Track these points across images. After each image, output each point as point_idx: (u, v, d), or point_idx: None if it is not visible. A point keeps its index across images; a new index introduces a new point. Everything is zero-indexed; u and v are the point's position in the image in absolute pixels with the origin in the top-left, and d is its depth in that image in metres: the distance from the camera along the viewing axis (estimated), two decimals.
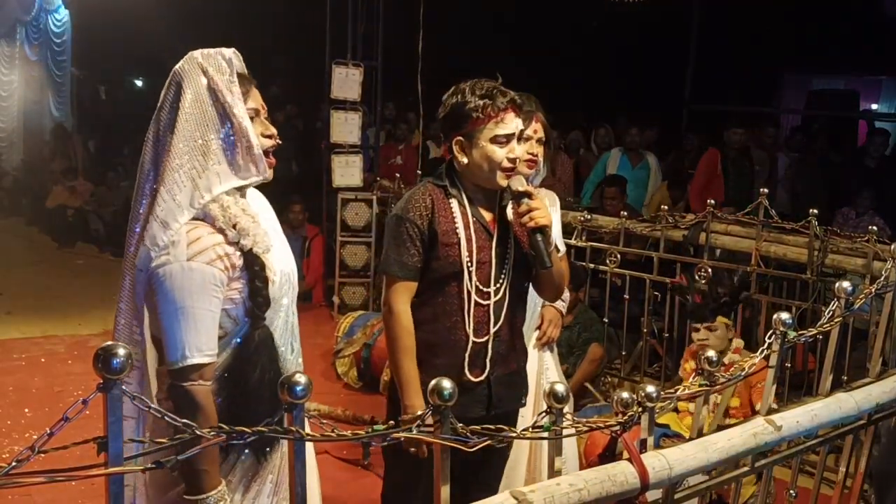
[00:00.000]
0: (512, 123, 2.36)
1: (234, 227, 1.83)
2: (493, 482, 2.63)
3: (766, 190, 4.55)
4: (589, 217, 5.09)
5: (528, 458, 3.01)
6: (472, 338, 2.40)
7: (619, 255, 4.92)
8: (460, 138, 2.36)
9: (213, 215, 1.83)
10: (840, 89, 12.31)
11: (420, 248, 2.38)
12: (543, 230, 2.36)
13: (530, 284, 2.60)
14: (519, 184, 2.38)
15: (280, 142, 1.99)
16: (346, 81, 6.51)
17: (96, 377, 1.27)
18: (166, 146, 1.82)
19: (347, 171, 6.61)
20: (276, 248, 1.93)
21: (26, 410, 4.57)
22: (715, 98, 10.30)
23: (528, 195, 2.36)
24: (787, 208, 6.70)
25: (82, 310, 6.53)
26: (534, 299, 2.98)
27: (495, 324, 2.42)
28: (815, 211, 4.25)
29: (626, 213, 5.03)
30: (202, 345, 1.77)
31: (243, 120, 1.86)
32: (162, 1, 10.25)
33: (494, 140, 2.33)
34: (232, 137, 1.86)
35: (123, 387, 1.88)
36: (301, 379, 1.38)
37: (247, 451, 1.92)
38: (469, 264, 2.38)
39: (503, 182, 2.38)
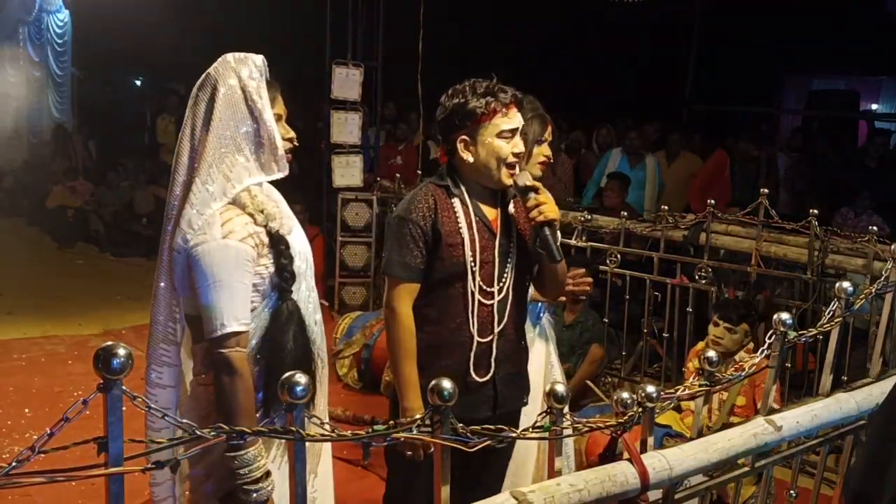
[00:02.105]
0: (516, 118, 2.38)
1: (261, 212, 2.01)
2: (494, 483, 2.63)
3: (766, 190, 4.54)
4: (589, 217, 5.09)
5: (536, 458, 3.00)
6: (476, 338, 2.40)
7: (619, 256, 4.92)
8: (465, 137, 2.36)
9: (242, 202, 2.00)
10: (840, 89, 12.31)
11: (423, 250, 2.38)
12: (552, 223, 2.37)
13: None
14: (525, 178, 2.39)
15: (297, 144, 2.17)
16: (346, 81, 6.51)
17: (96, 377, 1.27)
18: (201, 141, 2.00)
19: (348, 172, 6.61)
20: (293, 231, 2.12)
21: (26, 411, 4.57)
22: (715, 98, 10.30)
23: (535, 189, 2.38)
24: (787, 208, 6.70)
25: (82, 310, 6.53)
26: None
27: (499, 323, 2.43)
28: (816, 211, 4.25)
29: (626, 213, 5.03)
30: (238, 314, 1.93)
31: (270, 123, 2.04)
32: (162, 1, 10.24)
33: (500, 135, 2.34)
34: (260, 137, 2.04)
35: (164, 357, 2.05)
36: (301, 379, 1.38)
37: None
38: (473, 264, 2.38)
39: (507, 180, 2.39)
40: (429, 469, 2.38)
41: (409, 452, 2.34)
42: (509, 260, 2.44)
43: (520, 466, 2.95)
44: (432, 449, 2.27)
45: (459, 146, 2.37)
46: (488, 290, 2.40)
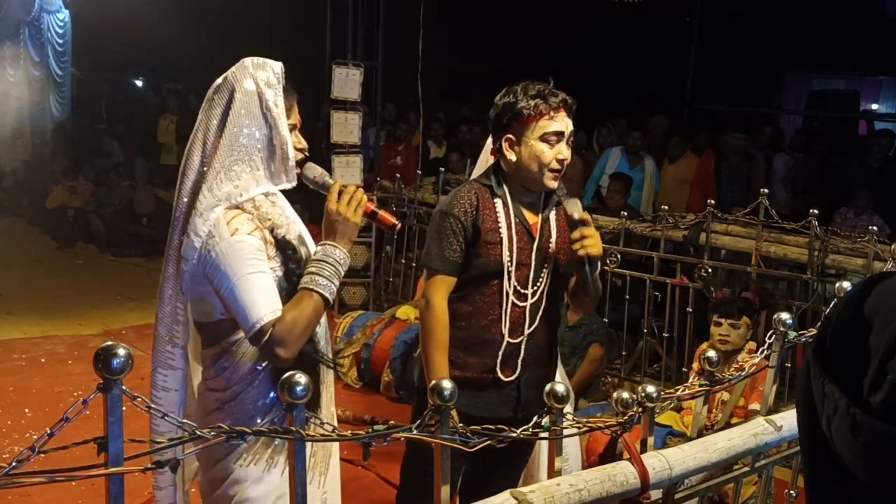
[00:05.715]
0: (563, 122, 2.39)
1: (268, 220, 1.99)
2: (512, 480, 2.63)
3: (766, 190, 4.54)
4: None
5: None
6: (506, 338, 2.42)
7: (619, 256, 4.92)
8: (510, 136, 2.39)
9: (247, 211, 1.98)
10: (840, 89, 12.32)
11: (462, 244, 2.40)
12: (592, 260, 2.36)
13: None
14: (576, 210, 2.37)
15: (308, 155, 2.13)
16: (346, 81, 6.50)
17: (96, 377, 1.27)
18: (214, 147, 1.97)
19: (348, 172, 6.61)
20: (300, 235, 2.10)
21: (26, 410, 4.57)
22: (715, 98, 10.30)
23: (584, 222, 2.36)
24: (787, 208, 6.70)
25: (82, 310, 6.53)
26: None
27: (530, 325, 2.44)
28: (816, 211, 4.25)
29: (626, 213, 5.03)
30: (269, 305, 1.90)
31: (284, 132, 2.00)
32: (162, 1, 10.24)
33: (544, 138, 2.36)
34: (272, 146, 2.00)
35: (168, 360, 2.03)
36: (301, 379, 1.38)
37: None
38: (509, 264, 2.39)
39: (551, 184, 2.41)
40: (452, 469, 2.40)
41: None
42: (546, 265, 2.46)
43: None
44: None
45: (504, 145, 2.40)
46: (523, 291, 2.43)
